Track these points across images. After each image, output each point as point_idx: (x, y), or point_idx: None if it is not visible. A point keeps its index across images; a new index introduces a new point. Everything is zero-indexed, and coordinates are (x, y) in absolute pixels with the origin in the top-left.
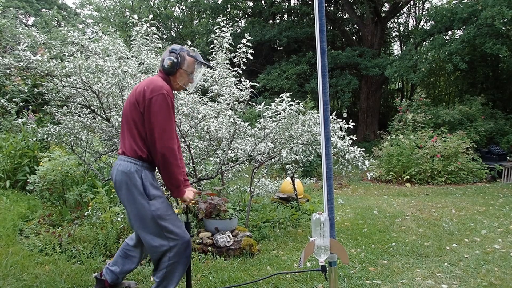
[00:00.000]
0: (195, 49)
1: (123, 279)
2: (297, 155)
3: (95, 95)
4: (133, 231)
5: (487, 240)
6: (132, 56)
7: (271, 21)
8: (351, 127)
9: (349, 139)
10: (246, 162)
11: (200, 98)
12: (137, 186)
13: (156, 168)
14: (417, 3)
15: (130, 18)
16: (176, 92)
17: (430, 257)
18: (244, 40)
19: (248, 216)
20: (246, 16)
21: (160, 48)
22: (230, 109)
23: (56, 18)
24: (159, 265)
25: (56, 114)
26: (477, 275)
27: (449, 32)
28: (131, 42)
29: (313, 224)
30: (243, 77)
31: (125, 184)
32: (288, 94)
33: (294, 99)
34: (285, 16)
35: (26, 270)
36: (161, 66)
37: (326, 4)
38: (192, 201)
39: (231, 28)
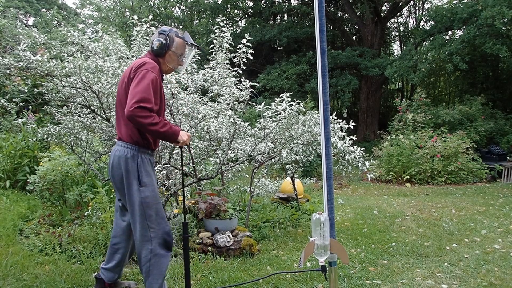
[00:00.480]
0: (185, 31)
1: (120, 277)
2: (297, 155)
3: (95, 95)
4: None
5: (487, 240)
6: (133, 56)
7: (271, 21)
8: (351, 127)
9: (349, 140)
10: (246, 162)
11: (200, 98)
12: (133, 172)
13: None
14: (417, 3)
15: (130, 18)
16: (176, 92)
17: (430, 257)
18: (244, 40)
19: (248, 216)
20: (246, 16)
21: None
22: (230, 109)
23: (56, 18)
24: (141, 258)
25: (56, 114)
26: (477, 275)
27: (449, 32)
28: (132, 42)
29: (313, 224)
30: (243, 77)
31: (122, 169)
32: (288, 94)
33: (294, 99)
34: (285, 16)
35: (26, 270)
36: (150, 47)
37: (326, 4)
38: (188, 143)
39: (231, 28)
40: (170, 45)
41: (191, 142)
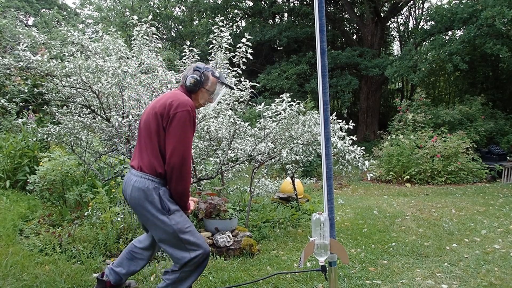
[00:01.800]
0: (219, 70)
1: (126, 280)
2: (297, 155)
3: (95, 95)
4: (142, 232)
5: (487, 240)
6: (133, 56)
7: (271, 21)
8: (351, 127)
9: (349, 140)
10: (246, 162)
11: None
12: (155, 203)
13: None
14: (417, 3)
15: (130, 18)
16: None
17: (430, 257)
18: (243, 40)
19: (248, 216)
20: (246, 16)
21: (160, 48)
22: (230, 109)
23: (56, 18)
24: (175, 268)
25: (56, 114)
26: (477, 275)
27: (449, 32)
28: (132, 42)
29: (313, 224)
30: (243, 77)
31: (143, 201)
32: (288, 94)
33: (294, 99)
34: (285, 16)
35: (26, 270)
36: (183, 82)
37: (326, 4)
38: (192, 210)
39: (231, 28)
40: (204, 83)
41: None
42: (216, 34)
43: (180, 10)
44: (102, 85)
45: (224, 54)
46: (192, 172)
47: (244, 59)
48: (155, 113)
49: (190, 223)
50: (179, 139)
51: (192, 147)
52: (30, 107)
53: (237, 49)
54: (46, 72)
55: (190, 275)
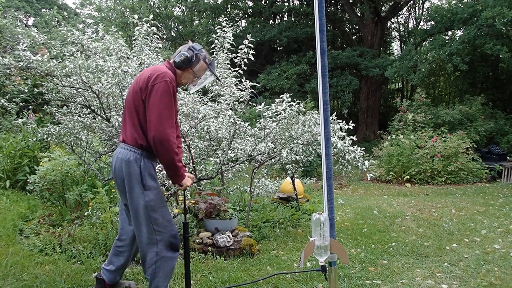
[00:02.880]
0: (213, 58)
1: (121, 277)
2: (297, 155)
3: (95, 95)
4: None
5: (487, 240)
6: (133, 56)
7: (271, 21)
8: (351, 127)
9: (349, 140)
10: (246, 162)
11: (200, 98)
12: (135, 175)
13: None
14: (417, 3)
15: (131, 18)
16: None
17: (430, 257)
18: (246, 41)
19: (248, 216)
20: (246, 16)
21: (160, 48)
22: (230, 109)
23: (56, 18)
24: (146, 261)
25: (56, 114)
26: (477, 275)
27: (449, 32)
28: (133, 42)
29: (313, 224)
30: (243, 77)
31: (124, 172)
32: (288, 94)
33: (294, 99)
34: (285, 16)
35: (26, 270)
36: (173, 57)
37: (326, 4)
38: (188, 186)
39: (231, 28)
40: (193, 64)
41: (191, 142)
42: (218, 34)
43: (180, 10)
44: (102, 85)
45: (226, 55)
46: (192, 172)
47: (245, 60)
48: (135, 87)
49: (164, 204)
50: (157, 111)
51: (192, 147)
52: (30, 107)
53: (239, 50)
54: (46, 72)
55: (166, 262)
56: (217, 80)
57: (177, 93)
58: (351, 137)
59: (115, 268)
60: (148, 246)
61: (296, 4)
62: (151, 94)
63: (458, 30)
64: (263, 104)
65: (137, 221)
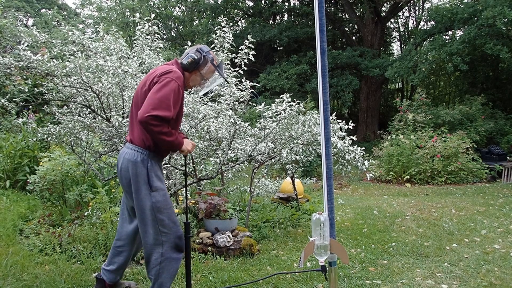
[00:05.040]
0: (221, 60)
1: (121, 277)
2: (297, 155)
3: (95, 95)
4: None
5: (487, 240)
6: (134, 56)
7: (271, 21)
8: (351, 127)
9: (349, 139)
10: (246, 162)
11: (200, 98)
12: (142, 176)
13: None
14: (417, 3)
15: (131, 18)
16: None
17: (430, 257)
18: (246, 42)
19: (248, 216)
20: (246, 16)
21: (161, 48)
22: (231, 109)
23: (56, 18)
24: (151, 261)
25: (56, 114)
26: (477, 275)
27: (449, 32)
28: (134, 42)
29: (313, 224)
30: (243, 77)
31: (130, 172)
32: (288, 94)
33: (295, 99)
34: (286, 16)
35: (26, 270)
36: (181, 58)
37: (326, 4)
38: (191, 151)
39: (231, 28)
40: (201, 67)
41: None
42: (218, 34)
43: (180, 10)
44: (103, 85)
45: (226, 55)
46: (192, 172)
47: (246, 61)
48: (144, 86)
49: (170, 205)
50: (155, 96)
51: None
52: (30, 107)
53: (239, 50)
54: (46, 71)
55: (170, 263)
56: (226, 83)
57: None
58: (351, 137)
59: (115, 268)
60: (153, 247)
61: (296, 4)
62: (156, 85)
63: (458, 30)
64: (263, 104)
65: (143, 222)
